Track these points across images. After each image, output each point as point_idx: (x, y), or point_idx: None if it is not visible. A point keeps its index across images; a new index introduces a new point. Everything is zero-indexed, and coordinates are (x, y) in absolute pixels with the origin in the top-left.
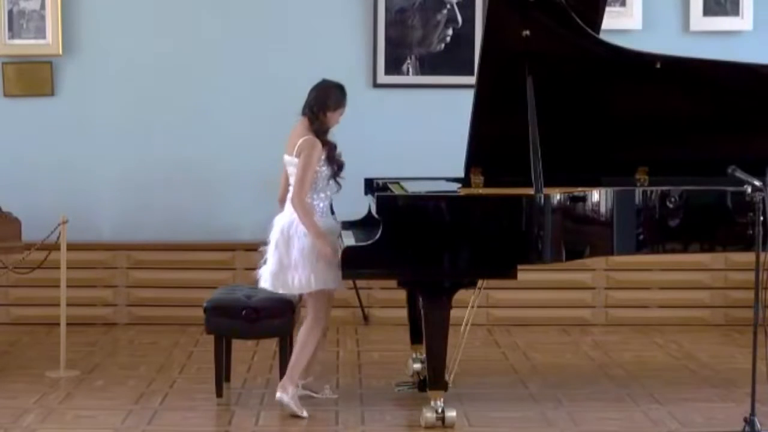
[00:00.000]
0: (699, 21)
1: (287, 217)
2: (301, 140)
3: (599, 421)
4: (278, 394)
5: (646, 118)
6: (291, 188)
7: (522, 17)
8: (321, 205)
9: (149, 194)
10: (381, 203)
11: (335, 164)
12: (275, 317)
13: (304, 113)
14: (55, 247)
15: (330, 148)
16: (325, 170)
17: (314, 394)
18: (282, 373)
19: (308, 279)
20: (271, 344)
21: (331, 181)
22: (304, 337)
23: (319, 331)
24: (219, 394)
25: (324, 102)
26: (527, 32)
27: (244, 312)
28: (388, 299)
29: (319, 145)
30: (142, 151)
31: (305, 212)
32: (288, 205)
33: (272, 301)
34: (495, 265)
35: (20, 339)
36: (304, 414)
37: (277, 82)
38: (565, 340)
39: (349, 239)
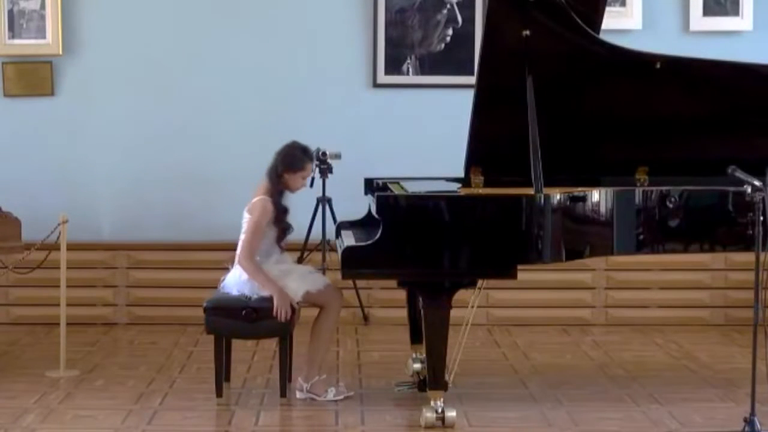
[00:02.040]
0: (699, 21)
1: (237, 277)
2: (255, 200)
3: (599, 421)
4: (299, 394)
5: (646, 118)
6: (239, 245)
7: (522, 17)
8: (269, 252)
9: (149, 194)
10: (381, 203)
11: (281, 227)
12: (275, 317)
13: (268, 174)
14: (55, 247)
15: (279, 211)
16: (271, 232)
17: (316, 397)
18: (281, 373)
19: (293, 292)
20: (271, 344)
21: (274, 245)
22: (319, 329)
23: (331, 321)
24: (219, 394)
25: (284, 163)
26: (527, 32)
27: (243, 312)
28: (388, 299)
29: (270, 207)
30: (142, 151)
31: (255, 271)
32: (236, 265)
33: (272, 301)
34: (495, 265)
35: (20, 339)
36: (329, 396)
37: (277, 82)
38: (565, 340)
39: (349, 239)
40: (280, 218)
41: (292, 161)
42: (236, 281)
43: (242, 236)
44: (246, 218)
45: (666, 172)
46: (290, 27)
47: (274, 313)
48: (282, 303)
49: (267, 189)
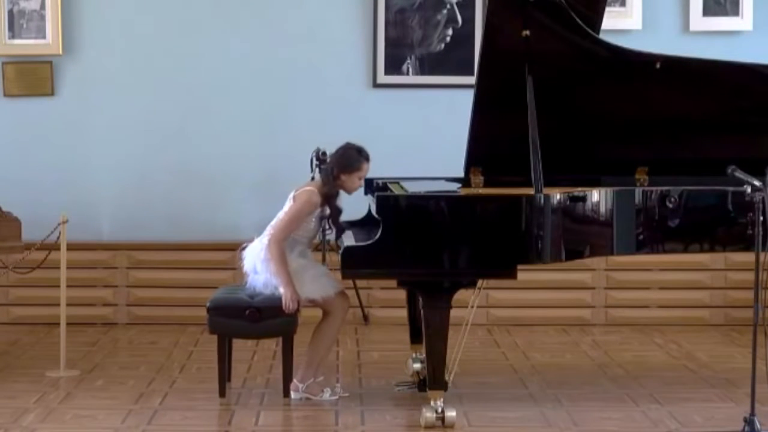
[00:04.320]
0: (699, 21)
1: (257, 252)
2: (305, 187)
3: (599, 421)
4: (294, 395)
5: (646, 118)
6: (273, 225)
7: (522, 17)
8: (298, 242)
9: (149, 194)
10: (381, 203)
11: (334, 227)
12: (278, 317)
13: (323, 175)
14: (55, 246)
15: (334, 213)
16: (312, 228)
17: (312, 397)
18: (285, 373)
19: (301, 292)
20: (271, 344)
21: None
22: (321, 334)
23: (334, 327)
24: (222, 393)
25: (340, 164)
26: (527, 32)
27: (247, 312)
28: (388, 299)
29: (315, 200)
30: (142, 150)
31: (278, 257)
32: (260, 241)
33: (275, 300)
34: (495, 265)
35: (20, 339)
36: (325, 396)
37: (278, 82)
38: (565, 340)
39: (349, 239)
40: (335, 219)
41: (348, 162)
42: (255, 255)
43: (280, 215)
44: (289, 203)
45: (666, 172)
46: (290, 27)
47: (284, 306)
48: (289, 296)
49: (318, 185)
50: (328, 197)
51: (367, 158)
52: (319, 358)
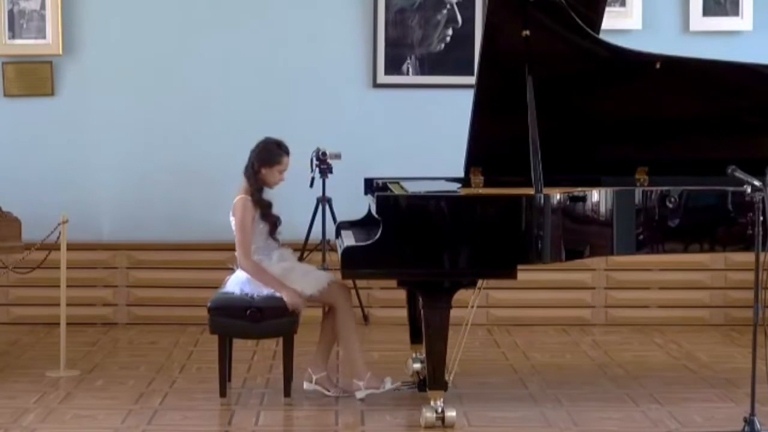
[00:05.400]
0: (699, 21)
1: (240, 277)
2: (235, 200)
3: (599, 421)
4: (359, 394)
5: (645, 118)
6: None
7: (522, 17)
8: (267, 249)
9: (149, 194)
10: (381, 203)
11: (269, 221)
12: (279, 317)
13: (245, 172)
14: (55, 246)
15: (263, 207)
16: (262, 227)
17: (326, 392)
18: (285, 373)
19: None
20: (271, 344)
21: (269, 239)
22: (340, 330)
23: (347, 315)
24: (223, 393)
25: (260, 158)
26: (527, 32)
27: (248, 312)
28: (388, 299)
29: (249, 204)
30: (142, 150)
31: (256, 271)
32: (240, 272)
33: (276, 300)
34: (495, 265)
35: (20, 339)
36: (387, 386)
37: (277, 83)
38: (564, 340)
39: (349, 239)
40: (265, 213)
41: (268, 156)
42: (238, 281)
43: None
44: (232, 221)
45: (666, 172)
46: (290, 27)
47: (289, 305)
48: (290, 297)
49: (245, 188)
50: (253, 193)
51: (287, 152)
52: (356, 349)
